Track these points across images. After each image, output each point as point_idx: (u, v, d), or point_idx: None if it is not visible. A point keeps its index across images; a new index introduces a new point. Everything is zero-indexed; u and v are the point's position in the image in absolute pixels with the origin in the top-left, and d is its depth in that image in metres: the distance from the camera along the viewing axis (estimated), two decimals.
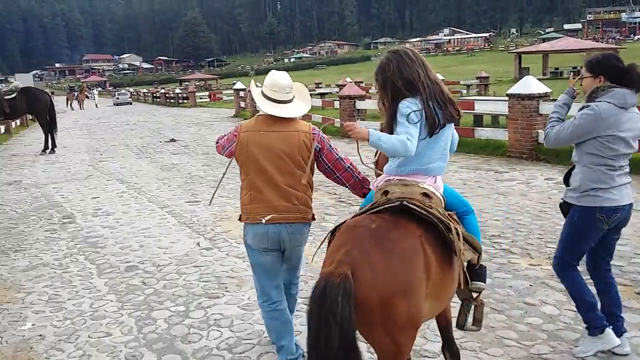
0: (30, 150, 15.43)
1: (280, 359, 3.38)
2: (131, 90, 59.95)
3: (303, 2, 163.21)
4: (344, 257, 2.19)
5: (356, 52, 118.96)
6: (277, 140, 3.14)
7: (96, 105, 43.69)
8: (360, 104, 15.07)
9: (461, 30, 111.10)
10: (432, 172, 2.67)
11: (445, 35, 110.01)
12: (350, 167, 3.31)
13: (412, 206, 2.42)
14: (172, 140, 16.33)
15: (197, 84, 61.72)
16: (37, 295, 4.93)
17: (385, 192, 2.62)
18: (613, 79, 3.22)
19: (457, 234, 2.42)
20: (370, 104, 16.25)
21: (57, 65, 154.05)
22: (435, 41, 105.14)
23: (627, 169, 3.30)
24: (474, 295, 2.81)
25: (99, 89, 72.13)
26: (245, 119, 22.12)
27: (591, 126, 3.16)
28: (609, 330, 3.29)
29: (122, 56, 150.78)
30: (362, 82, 30.66)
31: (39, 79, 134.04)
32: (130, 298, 4.77)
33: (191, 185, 9.48)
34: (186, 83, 64.82)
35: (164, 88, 52.96)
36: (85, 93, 45.08)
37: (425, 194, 2.55)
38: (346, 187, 3.40)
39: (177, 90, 43.65)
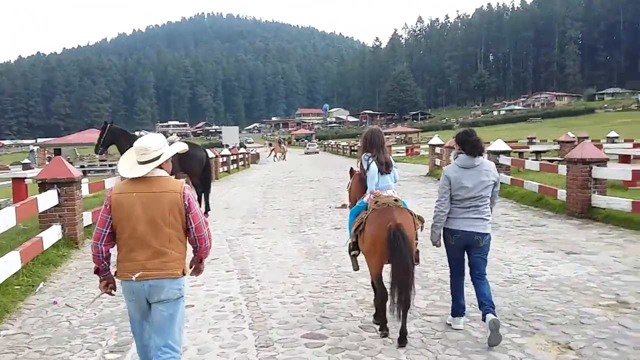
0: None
1: None
2: (332, 142, 61.61)
3: (518, 53, 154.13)
4: (394, 219, 4.70)
5: (577, 104, 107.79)
6: (149, 201, 3.30)
7: (284, 158, 46.11)
8: (598, 172, 10.53)
9: None
10: (391, 188, 5.20)
11: None
12: (207, 234, 3.49)
13: (393, 206, 4.91)
14: (344, 206, 13.56)
15: (398, 137, 60.07)
16: None
17: (376, 202, 4.95)
18: (463, 148, 4.91)
19: (413, 214, 5.07)
20: (610, 172, 11.49)
21: (273, 118, 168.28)
22: None
23: (482, 209, 4.87)
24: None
25: (305, 140, 75.27)
26: (438, 180, 17.99)
27: (444, 182, 4.97)
28: (459, 319, 5.09)
29: (330, 110, 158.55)
30: (587, 138, 24.96)
31: (257, 131, 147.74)
32: None
33: (329, 295, 6.27)
34: (387, 136, 63.66)
35: None
36: (283, 146, 47.18)
37: (396, 200, 4.99)
38: (195, 248, 3.54)
39: None
